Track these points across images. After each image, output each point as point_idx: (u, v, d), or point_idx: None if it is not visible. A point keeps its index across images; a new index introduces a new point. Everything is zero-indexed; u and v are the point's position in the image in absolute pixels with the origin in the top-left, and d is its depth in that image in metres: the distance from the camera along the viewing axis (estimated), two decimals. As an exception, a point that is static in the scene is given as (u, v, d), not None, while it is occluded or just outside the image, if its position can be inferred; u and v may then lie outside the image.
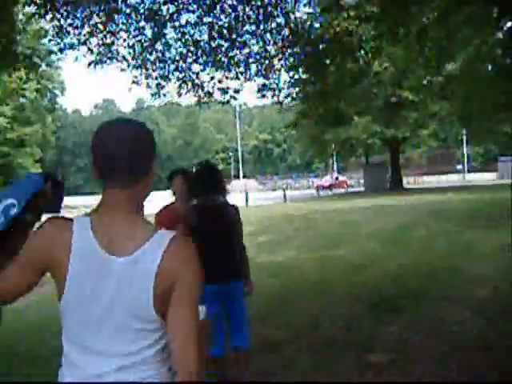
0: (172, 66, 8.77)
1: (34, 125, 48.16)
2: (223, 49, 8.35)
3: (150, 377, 1.55)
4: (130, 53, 8.75)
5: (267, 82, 9.01)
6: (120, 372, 1.54)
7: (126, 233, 1.57)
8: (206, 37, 8.40)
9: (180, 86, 9.01)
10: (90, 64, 8.73)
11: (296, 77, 8.99)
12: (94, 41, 8.37)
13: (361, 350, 5.06)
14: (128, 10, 8.10)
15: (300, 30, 8.04)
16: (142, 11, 8.10)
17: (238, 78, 8.80)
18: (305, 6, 8.99)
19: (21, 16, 9.56)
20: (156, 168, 1.71)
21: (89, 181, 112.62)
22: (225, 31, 8.07)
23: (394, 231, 14.01)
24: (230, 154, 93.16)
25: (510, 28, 15.09)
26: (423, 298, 6.86)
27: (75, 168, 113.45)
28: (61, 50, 8.20)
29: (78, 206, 44.83)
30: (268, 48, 8.45)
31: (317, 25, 8.56)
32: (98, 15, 7.95)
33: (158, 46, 8.53)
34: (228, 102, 9.26)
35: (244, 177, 73.49)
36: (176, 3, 7.94)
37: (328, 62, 8.24)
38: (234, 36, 8.17)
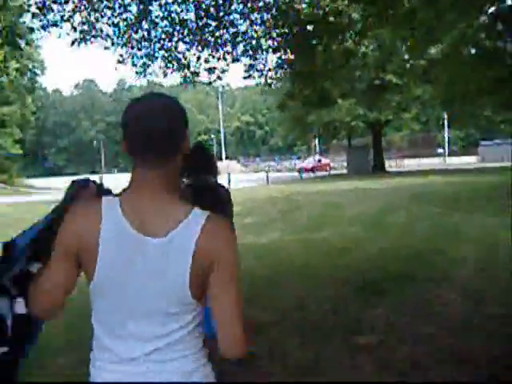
0: (158, 45, 8.63)
1: (14, 104, 47.48)
2: (210, 28, 8.22)
3: (181, 358, 1.53)
4: (114, 31, 8.58)
5: (254, 63, 8.91)
6: (152, 355, 1.50)
7: (159, 213, 1.50)
8: (192, 15, 8.27)
9: (166, 66, 8.87)
10: (73, 42, 8.55)
11: (283, 57, 8.88)
12: (77, 18, 8.19)
13: (348, 332, 5.07)
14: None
15: (288, 9, 7.93)
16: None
17: (224, 58, 8.68)
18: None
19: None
20: (187, 145, 1.61)
21: (70, 161, 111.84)
22: (212, 10, 7.94)
23: (378, 214, 14.09)
24: (212, 135, 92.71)
25: (493, 12, 15.16)
26: (409, 280, 6.90)
27: (56, 148, 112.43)
28: (43, 28, 8.00)
29: (59, 187, 44.54)
30: (256, 28, 8.33)
31: (305, 5, 8.45)
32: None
33: (144, 25, 8.38)
34: (214, 81, 9.15)
35: (226, 158, 73.24)
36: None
37: (316, 42, 8.14)
38: (221, 15, 8.05)
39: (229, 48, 8.56)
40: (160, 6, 8.11)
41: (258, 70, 9.01)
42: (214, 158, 4.26)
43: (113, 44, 8.78)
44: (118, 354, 1.51)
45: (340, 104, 33.60)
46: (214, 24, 8.20)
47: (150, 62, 8.90)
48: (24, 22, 10.52)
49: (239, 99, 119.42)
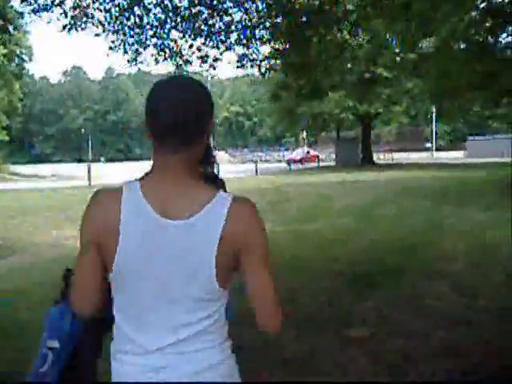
0: (150, 33, 8.52)
1: (0, 91, 46.93)
2: (203, 16, 8.12)
3: (207, 349, 1.49)
4: (106, 17, 8.46)
5: (247, 52, 8.83)
6: (177, 346, 1.46)
7: (182, 196, 1.45)
8: (185, 2, 8.17)
9: (158, 53, 8.77)
10: (64, 28, 8.43)
11: (277, 47, 8.80)
12: (69, 3, 8.06)
13: (341, 324, 5.04)
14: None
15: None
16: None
17: (217, 46, 8.58)
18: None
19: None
20: (212, 130, 1.58)
21: (57, 149, 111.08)
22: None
23: (368, 206, 14.10)
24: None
25: (484, 7, 15.21)
26: (400, 273, 6.89)
27: (43, 136, 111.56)
28: (34, 12, 7.87)
29: (46, 175, 44.23)
30: (250, 16, 8.24)
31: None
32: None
33: (136, 11, 8.26)
34: (207, 70, 9.06)
35: (215, 149, 73.11)
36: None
37: (311, 33, 8.06)
38: (214, 3, 7.95)
39: (222, 37, 8.47)
40: (153, -9, 8.02)
41: (250, 60, 8.93)
42: (212, 149, 4.24)
43: (104, 31, 8.66)
44: (141, 345, 1.47)
45: (330, 96, 33.58)
46: (207, 12, 8.11)
47: (141, 50, 8.80)
48: (11, 7, 10.33)
49: (228, 90, 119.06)
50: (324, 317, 5.36)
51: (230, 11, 8.27)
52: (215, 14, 8.12)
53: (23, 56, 53.04)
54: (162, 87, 1.49)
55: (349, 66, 29.83)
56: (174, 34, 8.65)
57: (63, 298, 1.74)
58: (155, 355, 1.46)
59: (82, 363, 1.73)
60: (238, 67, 9.12)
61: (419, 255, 8.02)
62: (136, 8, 8.21)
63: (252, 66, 9.10)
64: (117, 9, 8.26)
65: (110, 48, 8.86)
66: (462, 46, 18.95)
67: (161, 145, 1.47)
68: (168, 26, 8.45)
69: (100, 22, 8.50)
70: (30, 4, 7.70)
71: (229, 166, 49.86)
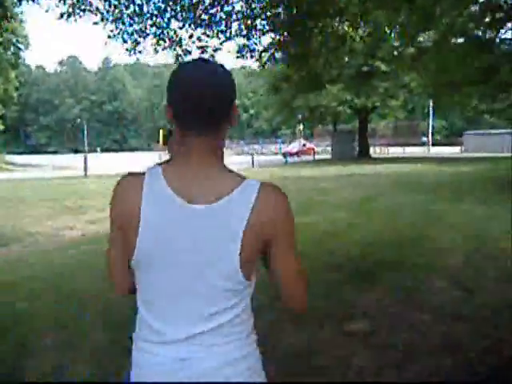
0: (149, 22, 8.42)
1: (-4, 79, 46.71)
2: (204, 5, 8.04)
3: (230, 342, 1.45)
4: (105, 5, 8.36)
5: (248, 43, 8.75)
6: (199, 337, 1.42)
7: (207, 180, 1.41)
8: (186, -9, 8.09)
9: (157, 43, 8.67)
10: (61, 15, 8.32)
11: (278, 38, 8.72)
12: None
13: (341, 318, 5.01)
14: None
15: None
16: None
17: (218, 36, 8.50)
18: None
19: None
20: (236, 114, 1.53)
21: (53, 139, 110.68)
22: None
23: (364, 200, 14.07)
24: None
25: (484, 2, 15.15)
26: (398, 267, 6.86)
27: (38, 126, 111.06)
28: (32, -1, 7.78)
29: (41, 164, 44.06)
30: (251, 7, 8.15)
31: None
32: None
33: (136, 0, 8.18)
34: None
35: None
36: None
37: (312, 24, 7.99)
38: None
39: (223, 27, 8.38)
40: (153, -20, 7.93)
41: (251, 51, 8.85)
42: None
43: (102, 19, 8.56)
44: (163, 335, 1.44)
45: (328, 89, 33.51)
46: (208, 1, 8.03)
47: (140, 39, 8.70)
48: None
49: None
50: (323, 310, 5.32)
51: (231, 1, 8.19)
52: (216, 3, 8.04)
53: (19, 45, 52.64)
54: (187, 69, 1.45)
55: (346, 59, 29.88)
56: (174, 23, 8.58)
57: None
58: (177, 346, 1.43)
59: None
60: (237, 58, 9.03)
61: (417, 249, 7.99)
62: (136, -4, 8.14)
63: (252, 57, 9.02)
64: (116, -4, 8.17)
65: (109, 37, 8.76)
66: (461, 40, 18.91)
67: (185, 127, 1.44)
68: (168, 15, 8.37)
69: (98, 10, 8.40)
70: (29, -9, 7.63)
71: (225, 157, 49.71)
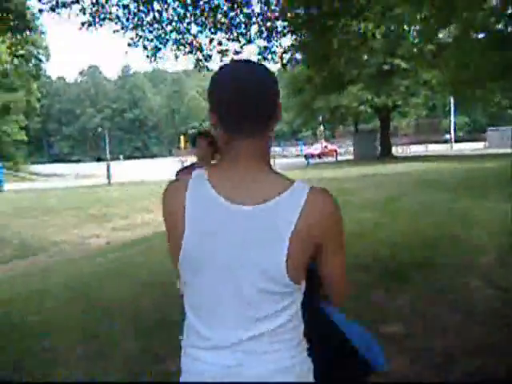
0: (169, 27, 8.41)
1: (19, 91, 47.30)
2: (223, 9, 8.00)
3: (281, 349, 1.39)
4: (124, 13, 8.37)
5: (268, 45, 8.68)
6: (247, 343, 1.37)
7: (255, 183, 1.38)
8: (205, -4, 8.05)
9: (177, 48, 8.65)
10: (82, 25, 8.35)
11: (298, 39, 8.65)
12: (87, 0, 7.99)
13: (373, 321, 4.90)
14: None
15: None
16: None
17: (238, 39, 8.45)
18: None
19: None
20: (279, 114, 1.48)
21: (75, 148, 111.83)
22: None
23: (389, 200, 13.91)
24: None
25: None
26: (429, 267, 6.73)
27: (61, 136, 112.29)
28: (53, 9, 7.81)
29: (65, 174, 44.51)
30: (272, 8, 8.09)
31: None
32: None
33: (155, 6, 8.17)
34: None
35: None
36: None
37: (333, 22, 7.90)
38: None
39: (243, 29, 8.33)
40: (172, -14, 7.90)
41: (272, 52, 8.78)
42: None
43: (123, 27, 8.56)
44: (210, 340, 1.40)
45: (348, 89, 33.33)
46: (227, 5, 7.99)
47: (161, 45, 8.69)
48: (28, 8, 10.25)
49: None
50: (353, 312, 5.22)
51: (251, 3, 8.13)
52: (235, 6, 8.00)
53: (40, 56, 53.37)
54: (228, 71, 1.42)
55: (366, 58, 29.71)
56: (194, 28, 8.55)
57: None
58: (224, 352, 1.39)
59: None
60: (258, 60, 8.97)
61: (446, 248, 7.84)
62: (155, 3, 8.12)
63: (273, 59, 8.95)
64: (135, 4, 8.17)
65: (129, 45, 8.76)
66: (482, 35, 18.64)
67: (231, 131, 1.41)
68: (187, 21, 8.35)
69: (118, 18, 8.40)
70: (49, 1, 7.65)
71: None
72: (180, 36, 8.54)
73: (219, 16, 8.14)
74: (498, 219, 9.70)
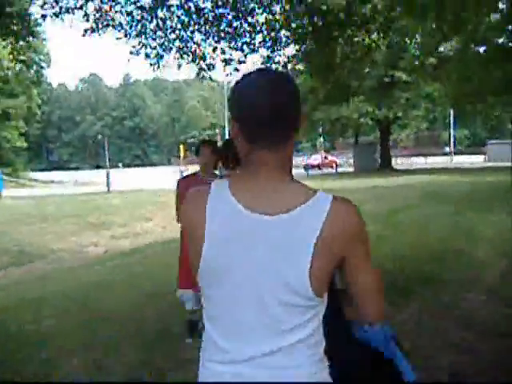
0: (172, 36, 8.34)
1: (19, 97, 47.31)
2: (227, 18, 7.94)
3: (301, 365, 1.34)
4: (128, 21, 8.30)
5: (272, 55, 8.61)
6: (267, 357, 1.33)
7: (277, 193, 1.35)
8: (209, 5, 7.99)
9: (180, 57, 8.57)
10: (85, 31, 8.28)
11: (302, 49, 8.59)
12: (91, 6, 7.92)
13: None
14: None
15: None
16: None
17: (242, 49, 8.38)
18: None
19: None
20: (304, 123, 1.45)
21: (75, 155, 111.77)
22: (230, -1, 7.66)
23: (391, 212, 13.83)
24: (217, 131, 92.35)
25: (505, 9, 14.88)
26: (433, 281, 6.63)
27: (60, 143, 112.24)
28: (56, 15, 7.74)
29: (64, 181, 44.43)
30: (276, 17, 8.03)
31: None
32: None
33: (159, 14, 8.10)
34: (230, 74, 8.81)
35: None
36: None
37: (337, 33, 7.85)
38: (238, 5, 7.76)
39: (247, 39, 8.26)
40: (176, -7, 7.83)
41: (275, 62, 8.70)
42: None
43: (126, 35, 8.49)
44: (229, 353, 1.36)
45: (349, 101, 33.36)
46: (231, 14, 7.93)
47: (164, 53, 8.61)
48: (30, 15, 10.16)
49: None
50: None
51: (255, 12, 8.07)
52: (240, 15, 7.93)
53: (41, 63, 53.41)
54: (252, 80, 1.39)
55: (367, 70, 29.73)
56: (197, 36, 8.49)
57: None
58: (241, 366, 1.35)
59: None
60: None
61: (450, 263, 7.76)
62: (159, 10, 8.05)
63: (277, 69, 8.87)
64: (139, 11, 8.10)
65: (131, 53, 8.67)
66: (483, 48, 18.65)
67: (252, 142, 1.38)
68: (191, 29, 8.28)
69: (121, 26, 8.33)
70: (53, 7, 7.58)
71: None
72: (183, 44, 8.47)
73: (223, 25, 8.08)
74: (502, 233, 9.63)
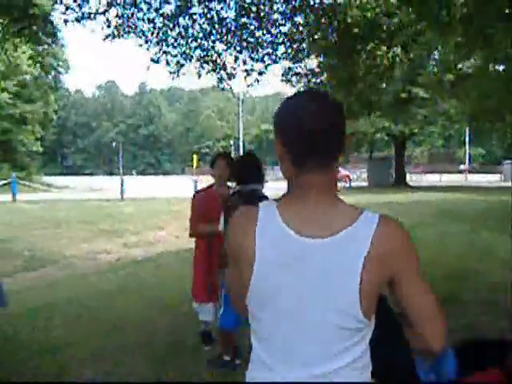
0: (194, 44, 8.29)
1: (36, 102, 47.64)
2: (250, 28, 7.87)
3: None
4: (149, 28, 8.28)
5: (293, 66, 8.54)
6: (318, 379, 1.33)
7: (325, 215, 1.37)
8: (232, 14, 7.94)
9: (201, 66, 8.52)
10: (106, 37, 8.27)
11: (325, 62, 8.51)
12: (113, 12, 7.90)
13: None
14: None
15: (334, 11, 7.54)
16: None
17: (263, 60, 8.32)
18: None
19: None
20: (348, 144, 1.41)
21: (89, 161, 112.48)
22: (253, 9, 7.59)
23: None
24: (231, 142, 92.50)
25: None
26: (453, 302, 6.44)
27: (75, 148, 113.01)
28: (78, 20, 7.73)
29: (77, 186, 44.60)
30: (300, 29, 7.95)
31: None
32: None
33: (181, 21, 8.06)
34: (251, 85, 8.77)
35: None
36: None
37: (360, 47, 7.76)
38: (262, 14, 7.70)
39: (269, 49, 8.20)
40: (199, 1, 7.77)
41: (296, 74, 8.64)
42: (262, 167, 4.40)
43: (147, 42, 8.47)
44: (278, 374, 1.37)
45: (365, 116, 33.26)
46: (254, 24, 7.87)
47: (184, 62, 8.56)
48: (52, 22, 10.18)
49: (259, 107, 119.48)
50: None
51: (278, 23, 8.00)
52: (262, 26, 7.88)
53: (59, 69, 53.83)
54: (298, 103, 1.40)
55: (384, 85, 29.59)
56: (219, 46, 8.44)
57: None
58: None
59: None
60: (282, 81, 8.84)
61: (469, 283, 7.59)
62: (181, 18, 8.01)
63: (299, 81, 8.82)
64: (161, 19, 8.07)
65: (152, 60, 8.64)
66: (502, 67, 18.50)
67: (300, 164, 1.40)
68: (213, 38, 8.24)
69: (143, 33, 8.31)
70: (76, 12, 7.57)
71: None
72: (204, 53, 8.42)
73: (245, 35, 8.02)
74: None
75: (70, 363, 4.72)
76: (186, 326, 5.72)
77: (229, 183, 4.89)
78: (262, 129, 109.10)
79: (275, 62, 8.38)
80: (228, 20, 8.00)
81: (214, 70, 8.63)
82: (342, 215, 1.36)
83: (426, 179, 50.78)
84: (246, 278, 1.38)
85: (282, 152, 1.41)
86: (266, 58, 8.33)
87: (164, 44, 8.38)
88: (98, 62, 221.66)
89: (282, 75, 8.73)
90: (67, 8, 7.54)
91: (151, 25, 8.18)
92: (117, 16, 7.95)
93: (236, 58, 8.41)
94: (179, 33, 8.17)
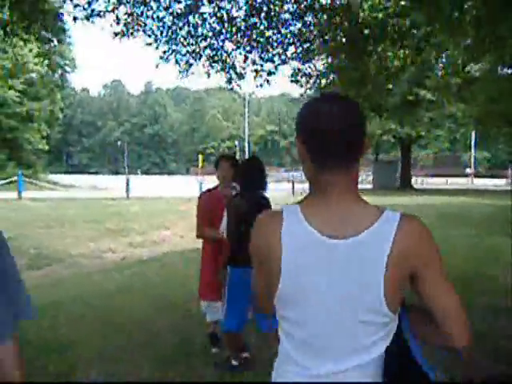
0: (203, 43, 8.25)
1: (43, 101, 47.65)
2: (260, 28, 7.82)
3: (376, 382, 1.39)
4: (158, 26, 8.24)
5: (302, 67, 8.49)
6: (343, 375, 1.39)
7: (347, 215, 1.40)
8: (242, 13, 7.89)
9: (210, 65, 8.48)
10: (115, 35, 8.23)
11: (335, 62, 8.45)
12: (122, 10, 7.86)
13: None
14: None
15: (346, 11, 7.48)
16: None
17: (273, 60, 8.27)
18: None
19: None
20: (368, 145, 1.53)
21: (94, 160, 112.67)
22: (264, 8, 7.54)
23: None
24: (236, 142, 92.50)
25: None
26: (466, 307, 6.38)
27: (81, 147, 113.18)
28: (87, 18, 7.69)
29: (83, 185, 44.64)
30: (311, 29, 7.89)
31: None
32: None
33: (191, 20, 8.01)
34: (261, 85, 8.70)
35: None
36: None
37: (371, 48, 7.70)
38: (272, 14, 7.65)
39: (279, 49, 8.15)
40: (209, 1, 7.73)
41: (305, 75, 8.59)
42: (265, 171, 4.53)
43: (156, 40, 8.43)
44: (306, 368, 1.43)
45: (371, 117, 33.18)
46: (264, 24, 7.82)
47: (193, 61, 8.51)
48: (62, 21, 10.15)
49: (264, 108, 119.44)
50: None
51: (288, 23, 7.95)
52: (273, 25, 7.82)
53: (66, 67, 53.88)
54: (321, 106, 1.44)
55: (390, 86, 29.48)
56: (228, 45, 8.40)
57: None
58: (321, 380, 1.41)
59: None
60: (292, 82, 8.79)
61: (477, 288, 7.51)
62: (191, 17, 7.96)
63: (308, 82, 8.77)
64: (170, 17, 8.03)
65: (161, 58, 8.60)
66: (510, 70, 18.41)
67: (322, 165, 1.44)
68: (222, 37, 8.19)
69: (152, 31, 8.27)
70: (85, 9, 7.52)
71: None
72: (213, 53, 8.37)
73: (255, 35, 7.97)
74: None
75: (78, 363, 4.68)
76: (192, 325, 5.69)
77: (234, 183, 4.90)
78: (268, 129, 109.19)
79: (285, 62, 8.35)
80: (238, 19, 7.97)
81: (223, 70, 8.59)
82: (364, 215, 1.40)
83: (432, 182, 50.66)
84: (273, 277, 1.42)
85: (303, 152, 1.46)
86: (275, 58, 8.29)
87: (173, 43, 8.34)
88: (105, 61, 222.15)
89: (292, 75, 8.67)
90: (76, 5, 7.50)
91: (160, 23, 8.15)
92: (126, 14, 7.92)
93: (246, 58, 8.37)
94: (189, 31, 8.14)
